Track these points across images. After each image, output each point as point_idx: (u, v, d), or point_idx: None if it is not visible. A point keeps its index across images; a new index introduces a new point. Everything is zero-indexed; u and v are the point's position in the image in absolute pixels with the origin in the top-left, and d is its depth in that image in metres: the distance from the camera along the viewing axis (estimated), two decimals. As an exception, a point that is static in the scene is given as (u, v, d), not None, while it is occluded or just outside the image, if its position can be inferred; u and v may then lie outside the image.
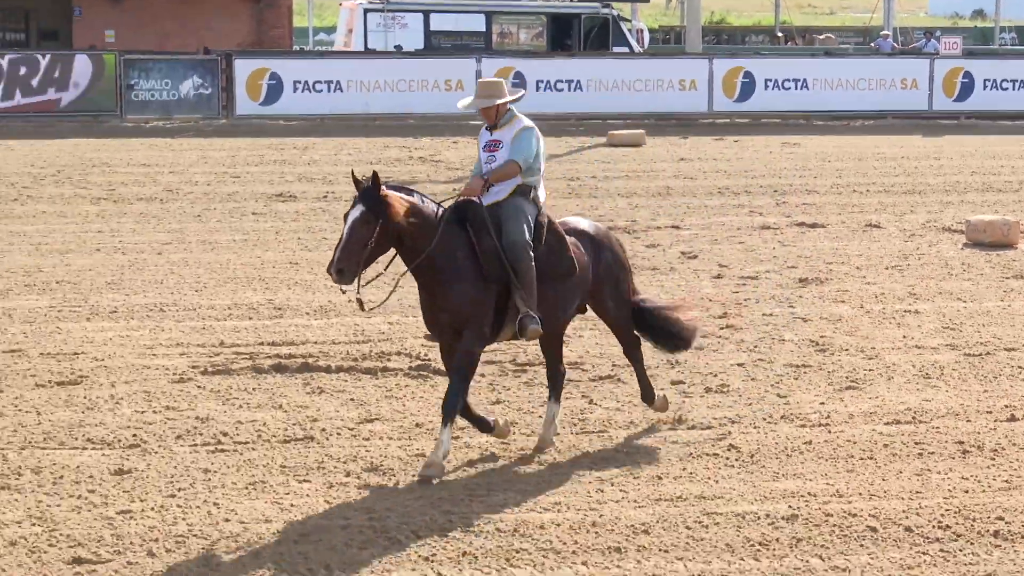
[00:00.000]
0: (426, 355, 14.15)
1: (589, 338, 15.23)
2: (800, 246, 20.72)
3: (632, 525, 10.22)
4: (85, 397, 13.11)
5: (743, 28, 78.21)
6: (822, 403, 13.16)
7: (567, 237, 11.72)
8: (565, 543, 9.92)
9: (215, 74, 36.28)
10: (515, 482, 11.09)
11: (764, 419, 12.67)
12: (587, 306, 12.16)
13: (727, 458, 11.68)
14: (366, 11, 43.39)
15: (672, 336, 12.47)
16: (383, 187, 10.88)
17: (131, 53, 36.85)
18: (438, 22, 43.94)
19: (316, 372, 13.96)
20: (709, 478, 11.22)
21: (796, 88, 38.82)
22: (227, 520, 10.25)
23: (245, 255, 19.73)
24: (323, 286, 17.63)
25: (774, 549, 9.87)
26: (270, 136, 33.35)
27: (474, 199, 11.41)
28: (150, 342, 15.06)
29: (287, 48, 46.38)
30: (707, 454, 11.76)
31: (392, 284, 11.43)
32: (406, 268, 11.21)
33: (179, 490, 10.84)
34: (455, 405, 11.17)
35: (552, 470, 11.36)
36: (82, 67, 35.64)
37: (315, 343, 15.04)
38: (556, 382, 12.07)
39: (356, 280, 10.78)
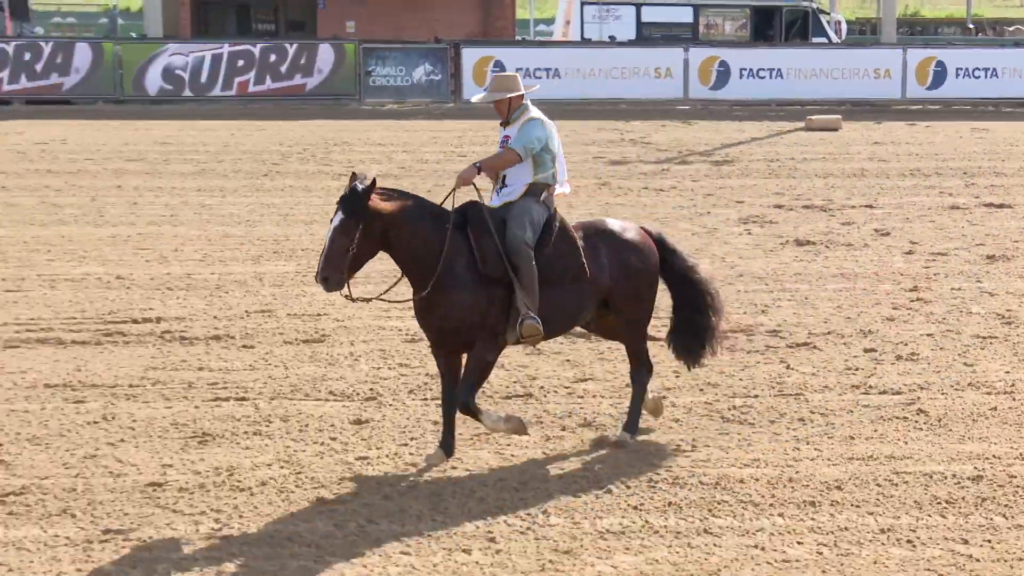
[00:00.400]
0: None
1: (787, 307, 15.14)
2: (988, 225, 20.31)
3: (826, 481, 10.16)
4: (327, 354, 13.37)
5: (936, 20, 76.71)
6: (1007, 372, 12.93)
7: (583, 240, 10.57)
8: (763, 496, 9.90)
9: (444, 62, 36.55)
10: (717, 439, 11.08)
11: (951, 386, 12.48)
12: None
13: (916, 421, 11.54)
14: (583, 4, 43.39)
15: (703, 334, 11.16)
16: (372, 191, 10.02)
17: (369, 42, 37.26)
18: (649, 14, 43.77)
19: (535, 335, 14.03)
20: (899, 439, 11.10)
21: (986, 77, 37.96)
22: (454, 468, 10.40)
23: (471, 227, 19.81)
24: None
25: (959, 507, 9.75)
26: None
27: (478, 200, 10.46)
28: (385, 305, 15.24)
29: (510, 38, 46.58)
30: (897, 417, 11.63)
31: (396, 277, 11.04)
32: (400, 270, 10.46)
33: (411, 439, 11.02)
34: (469, 404, 10.33)
35: (752, 429, 11.33)
36: (325, 55, 36.15)
37: (534, 308, 15.09)
38: (640, 378, 11.00)
39: (347, 284, 10.12)
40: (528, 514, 9.56)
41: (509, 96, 10.65)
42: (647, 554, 9.02)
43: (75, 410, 11.66)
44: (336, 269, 10.01)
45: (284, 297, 15.60)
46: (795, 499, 9.86)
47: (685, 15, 44.02)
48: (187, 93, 35.70)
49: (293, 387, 12.32)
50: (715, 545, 9.16)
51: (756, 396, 12.03)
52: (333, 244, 9.98)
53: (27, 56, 35.23)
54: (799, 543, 9.21)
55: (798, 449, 10.86)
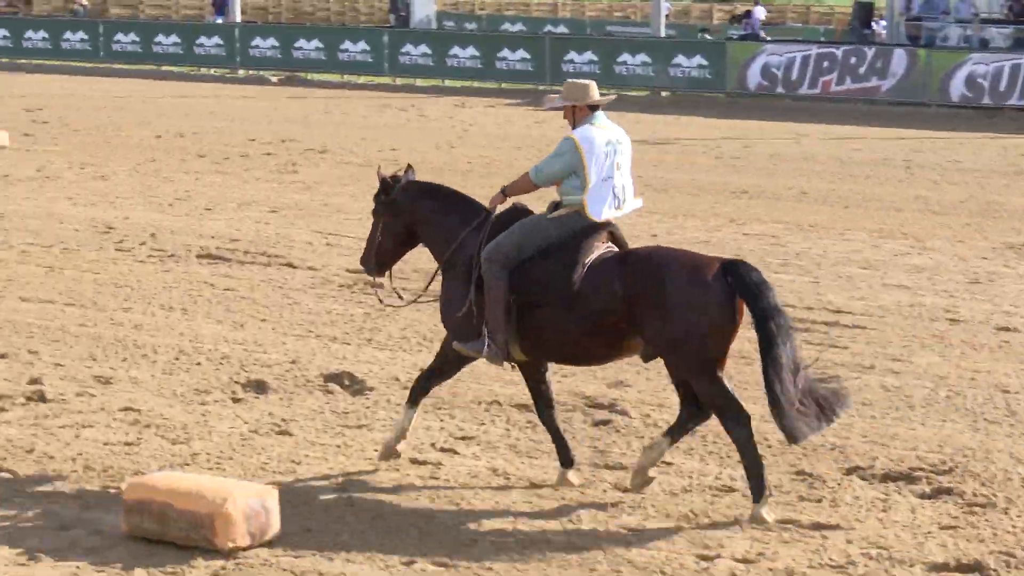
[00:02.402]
0: None
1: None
2: None
3: None
4: None
5: None
6: None
7: (598, 261, 8.47)
8: None
9: None
10: None
11: None
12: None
13: None
14: None
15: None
16: (396, 187, 9.08)
17: None
18: None
19: None
20: None
21: None
22: None
23: None
24: None
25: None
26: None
27: (519, 205, 8.93)
28: None
29: None
30: None
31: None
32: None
33: None
34: (414, 389, 9.06)
35: None
36: None
37: None
38: (730, 429, 8.25)
39: (383, 273, 9.32)
40: None
41: (571, 105, 8.67)
42: None
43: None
44: (368, 255, 9.34)
45: None
46: None
47: None
48: None
49: None
50: None
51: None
52: (371, 231, 9.35)
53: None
54: None
55: None
